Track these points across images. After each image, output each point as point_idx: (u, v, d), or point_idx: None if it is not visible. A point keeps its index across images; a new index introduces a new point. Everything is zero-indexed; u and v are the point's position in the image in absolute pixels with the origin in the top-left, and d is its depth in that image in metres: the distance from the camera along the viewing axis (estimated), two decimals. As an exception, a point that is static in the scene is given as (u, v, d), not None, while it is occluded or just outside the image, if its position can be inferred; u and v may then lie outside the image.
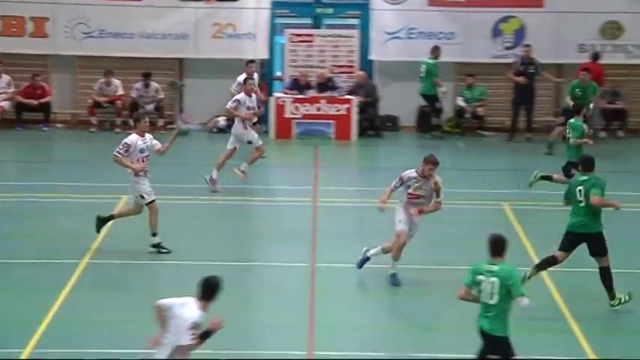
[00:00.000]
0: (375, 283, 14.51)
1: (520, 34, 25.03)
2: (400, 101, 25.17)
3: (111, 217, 15.58)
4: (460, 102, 25.09)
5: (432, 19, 25.15)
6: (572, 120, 18.14)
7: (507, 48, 25.08)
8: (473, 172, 21.54)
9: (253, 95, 19.31)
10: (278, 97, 24.72)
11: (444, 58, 24.57)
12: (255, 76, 21.32)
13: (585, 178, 13.17)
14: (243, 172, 19.21)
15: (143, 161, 15.00)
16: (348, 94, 24.76)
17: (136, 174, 14.97)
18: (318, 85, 24.83)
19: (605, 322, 12.95)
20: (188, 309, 8.91)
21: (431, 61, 24.28)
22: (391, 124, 25.56)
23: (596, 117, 23.07)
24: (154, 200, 15.05)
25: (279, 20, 25.82)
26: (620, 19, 24.88)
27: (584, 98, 21.27)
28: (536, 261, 14.03)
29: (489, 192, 19.39)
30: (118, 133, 24.57)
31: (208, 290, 8.98)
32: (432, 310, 13.61)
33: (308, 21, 26.01)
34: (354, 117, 24.41)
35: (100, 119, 25.36)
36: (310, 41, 25.44)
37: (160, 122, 24.97)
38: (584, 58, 24.32)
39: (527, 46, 24.38)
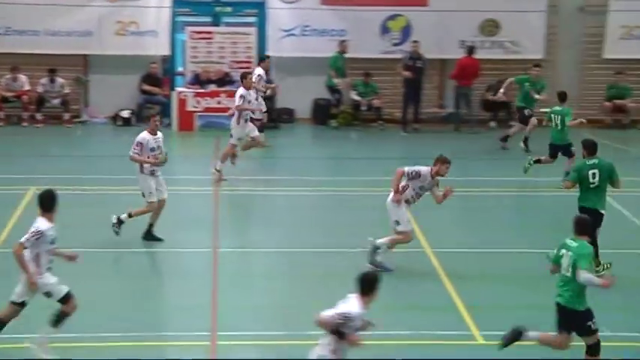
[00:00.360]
0: (275, 266, 14.43)
1: (406, 31, 25.17)
2: (296, 94, 25.14)
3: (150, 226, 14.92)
4: (354, 96, 25.13)
5: (324, 17, 25.14)
6: (558, 108, 18.78)
7: (395, 44, 25.20)
8: (368, 160, 21.58)
9: (253, 90, 19.33)
10: (180, 92, 24.50)
11: (334, 53, 24.57)
12: (265, 72, 21.52)
13: (595, 161, 13.46)
14: (224, 168, 19.03)
15: (150, 158, 14.52)
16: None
17: (143, 171, 14.54)
18: (218, 79, 24.66)
19: (488, 299, 13.02)
20: (348, 304, 8.73)
21: (332, 55, 24.33)
22: (288, 116, 25.52)
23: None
24: (153, 202, 14.65)
25: (180, 18, 25.53)
26: (497, 18, 25.19)
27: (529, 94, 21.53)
28: (427, 243, 14.13)
29: (383, 179, 19.45)
30: (25, 127, 24.14)
31: (367, 285, 8.76)
32: (330, 292, 13.51)
33: (208, 19, 25.79)
34: (253, 110, 24.24)
35: (7, 114, 24.75)
36: (210, 38, 25.22)
37: (66, 116, 24.63)
38: (463, 54, 24.58)
39: (416, 42, 24.53)
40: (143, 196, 14.72)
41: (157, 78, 25.22)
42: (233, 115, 19.13)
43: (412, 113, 24.68)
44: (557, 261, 10.35)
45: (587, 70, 25.41)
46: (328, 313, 8.64)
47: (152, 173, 14.62)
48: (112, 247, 14.67)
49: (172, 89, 24.79)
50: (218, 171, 18.85)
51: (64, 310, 10.57)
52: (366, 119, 25.22)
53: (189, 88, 24.65)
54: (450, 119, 25.12)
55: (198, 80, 24.76)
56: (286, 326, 11.85)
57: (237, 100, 18.91)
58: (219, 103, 24.24)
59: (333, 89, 24.92)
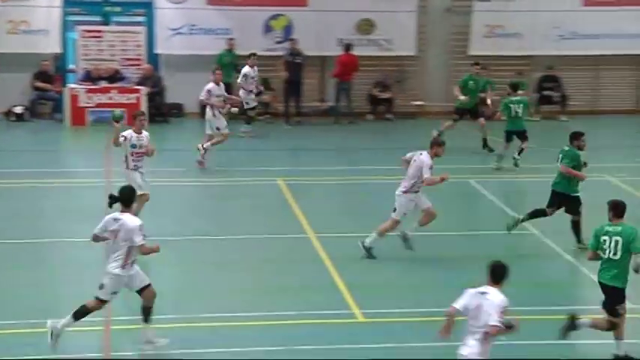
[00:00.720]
0: (164, 254, 14.26)
1: (288, 30, 25.16)
2: (185, 90, 24.81)
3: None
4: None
5: (210, 16, 24.95)
6: (515, 98, 19.28)
7: (278, 42, 25.16)
8: (251, 152, 21.51)
9: (221, 84, 19.59)
10: (72, 88, 24.03)
11: (220, 51, 24.41)
12: (255, 69, 21.95)
13: (566, 148, 14.12)
14: (202, 153, 19.12)
15: (133, 155, 14.29)
16: (137, 85, 24.32)
17: (128, 167, 14.31)
18: (109, 76, 24.30)
19: (368, 280, 13.13)
20: (492, 295, 8.61)
21: (220, 52, 24.29)
22: (177, 110, 25.27)
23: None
24: (141, 194, 14.11)
25: (70, 17, 25.01)
26: (372, 17, 25.38)
27: (474, 92, 21.42)
28: (310, 229, 14.16)
29: (268, 169, 19.42)
30: None
31: (499, 274, 8.71)
32: (209, 277, 13.50)
33: (98, 18, 25.33)
34: (143, 105, 23.93)
35: None
36: (100, 37, 24.79)
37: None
38: (341, 51, 24.72)
39: (293, 39, 24.56)
40: None
41: (49, 75, 24.67)
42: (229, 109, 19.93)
43: (294, 107, 24.69)
44: (596, 247, 10.32)
45: (454, 66, 25.82)
46: (494, 319, 8.51)
47: (136, 168, 14.38)
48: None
49: (64, 86, 24.30)
50: (204, 149, 19.06)
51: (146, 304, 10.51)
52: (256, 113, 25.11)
53: (81, 84, 24.18)
54: (330, 112, 25.23)
55: (89, 77, 24.33)
56: (183, 313, 11.71)
57: (202, 94, 19.30)
58: (110, 98, 23.87)
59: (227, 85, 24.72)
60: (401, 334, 11.06)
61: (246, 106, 22.33)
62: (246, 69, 22.09)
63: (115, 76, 24.42)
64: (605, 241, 10.20)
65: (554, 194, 14.21)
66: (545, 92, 25.62)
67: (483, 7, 25.36)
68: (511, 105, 19.25)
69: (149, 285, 10.52)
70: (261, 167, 19.44)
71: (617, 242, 10.14)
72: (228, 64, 24.48)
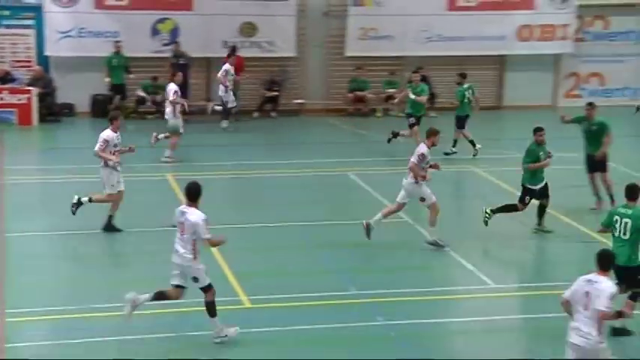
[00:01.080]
0: (64, 247, 14.05)
1: (175, 32, 24.94)
2: (75, 91, 24.41)
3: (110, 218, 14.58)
4: (140, 93, 24.81)
5: (98, 20, 24.50)
6: (466, 85, 20.52)
7: (164, 45, 24.92)
8: (144, 149, 21.21)
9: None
10: (-37, 89, 23.30)
11: (109, 53, 24.10)
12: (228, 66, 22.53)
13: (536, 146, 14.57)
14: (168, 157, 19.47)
15: (113, 154, 14.23)
16: (28, 86, 23.74)
17: (107, 165, 14.15)
18: (0, 78, 23.69)
19: (254, 268, 13.20)
20: (602, 283, 8.51)
21: (108, 55, 23.97)
22: (68, 110, 24.74)
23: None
24: (113, 193, 14.32)
25: (-40, 21, 24.27)
26: (255, 21, 25.39)
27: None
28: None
29: (157, 165, 19.27)
30: None
31: (605, 261, 8.68)
32: (104, 270, 13.37)
33: (-13, 22, 24.61)
34: (35, 105, 23.43)
35: None
36: (-10, 40, 24.12)
37: None
38: (226, 53, 24.68)
39: (177, 42, 24.43)
40: (111, 186, 14.37)
41: (-60, 76, 23.85)
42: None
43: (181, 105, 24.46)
44: (608, 225, 10.69)
45: (332, 66, 26.10)
46: (605, 306, 8.48)
47: (115, 167, 14.36)
48: None
49: (-45, 87, 23.53)
50: (168, 157, 19.33)
51: (209, 299, 10.38)
52: (146, 112, 24.85)
53: (-29, 86, 23.48)
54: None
55: (-20, 79, 23.67)
56: (79, 303, 11.58)
57: (170, 95, 19.36)
58: (1, 99, 23.21)
59: (116, 86, 24.31)
60: (287, 317, 11.18)
61: (230, 106, 22.83)
62: (227, 66, 22.48)
63: (5, 78, 23.84)
64: (616, 220, 10.65)
65: (523, 189, 14.66)
66: (416, 90, 26.15)
67: (358, 12, 25.68)
68: (465, 92, 20.41)
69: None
70: (152, 164, 19.26)
71: (626, 224, 10.57)
72: (116, 66, 24.24)
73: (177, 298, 10.53)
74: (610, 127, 16.05)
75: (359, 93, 25.83)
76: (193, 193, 10.43)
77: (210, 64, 25.37)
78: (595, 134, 16.11)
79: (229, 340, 10.47)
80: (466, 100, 20.54)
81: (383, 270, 13.10)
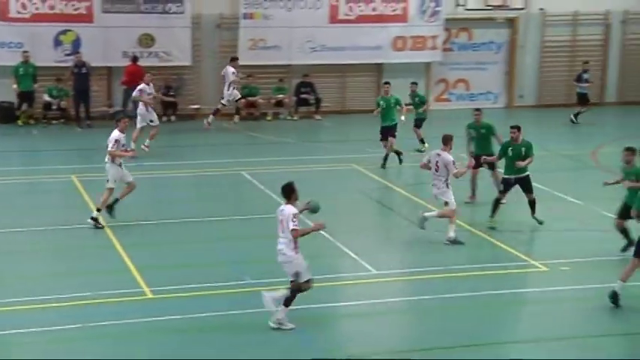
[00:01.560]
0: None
1: (77, 43, 24.45)
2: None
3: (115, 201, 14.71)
4: (46, 97, 24.23)
5: (2, 31, 23.82)
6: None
7: (67, 55, 24.41)
8: (52, 152, 20.83)
9: (151, 84, 20.51)
10: None
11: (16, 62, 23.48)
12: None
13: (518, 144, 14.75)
14: (147, 146, 19.99)
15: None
16: None
17: (114, 162, 14.45)
18: None
19: (155, 261, 13.10)
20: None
21: (17, 64, 23.53)
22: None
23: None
24: (112, 188, 14.38)
25: None
26: (152, 32, 25.11)
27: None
28: (103, 219, 13.92)
29: (64, 167, 18.91)
30: None
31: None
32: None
33: None
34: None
35: None
36: None
37: None
38: (127, 62, 24.36)
39: (78, 52, 23.94)
40: (108, 182, 14.39)
41: None
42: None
43: (84, 112, 24.06)
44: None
45: (225, 74, 26.01)
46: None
47: (120, 164, 14.58)
48: None
49: None
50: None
51: (303, 287, 10.50)
52: (53, 117, 24.29)
53: None
54: (117, 116, 24.66)
55: None
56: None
57: (134, 93, 20.21)
58: None
59: (23, 93, 23.74)
60: (187, 306, 11.16)
61: (224, 102, 22.58)
62: (231, 68, 22.31)
63: None
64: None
65: (504, 181, 14.90)
66: (302, 95, 26.36)
67: (248, 24, 25.70)
68: (381, 102, 19.87)
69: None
70: (56, 166, 18.86)
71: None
72: (24, 75, 23.65)
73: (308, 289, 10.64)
74: (496, 129, 16.40)
75: (251, 98, 25.87)
76: (286, 193, 10.59)
77: (111, 73, 24.98)
78: (484, 136, 16.40)
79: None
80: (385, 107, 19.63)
81: (275, 260, 13.21)
